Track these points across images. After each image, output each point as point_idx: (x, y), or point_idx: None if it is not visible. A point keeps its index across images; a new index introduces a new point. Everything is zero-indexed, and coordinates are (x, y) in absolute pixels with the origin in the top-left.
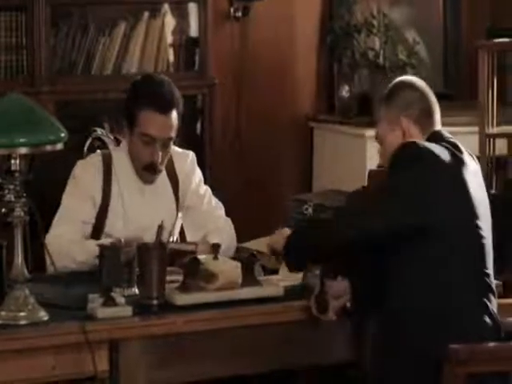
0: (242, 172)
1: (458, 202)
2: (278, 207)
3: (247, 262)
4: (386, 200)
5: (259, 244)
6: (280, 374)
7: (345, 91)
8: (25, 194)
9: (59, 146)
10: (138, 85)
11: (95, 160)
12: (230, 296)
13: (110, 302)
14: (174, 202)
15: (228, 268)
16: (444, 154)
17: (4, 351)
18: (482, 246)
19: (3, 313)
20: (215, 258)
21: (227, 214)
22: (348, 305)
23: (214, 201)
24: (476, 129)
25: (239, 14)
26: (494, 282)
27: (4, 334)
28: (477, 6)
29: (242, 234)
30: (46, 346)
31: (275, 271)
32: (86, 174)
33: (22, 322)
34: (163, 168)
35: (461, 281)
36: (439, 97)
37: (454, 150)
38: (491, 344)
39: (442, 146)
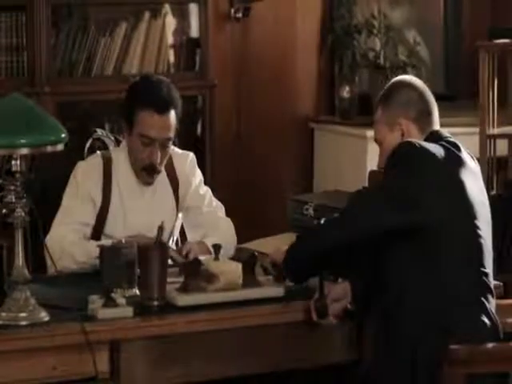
0: (242, 173)
1: (454, 201)
2: (279, 208)
3: (248, 262)
4: (381, 199)
5: (261, 244)
6: (280, 374)
7: (345, 92)
8: (25, 195)
9: (60, 147)
10: (136, 85)
11: (95, 161)
12: (230, 297)
13: (110, 302)
14: (174, 203)
15: (229, 269)
16: (440, 153)
17: (5, 352)
18: (479, 246)
19: (4, 313)
20: (216, 258)
21: (227, 214)
22: (349, 306)
23: (215, 201)
24: (477, 129)
25: (240, 14)
26: (492, 282)
27: (5, 334)
28: (477, 6)
29: (242, 235)
30: (47, 347)
31: None
32: (86, 175)
33: (23, 323)
34: (162, 168)
35: (458, 280)
36: (440, 97)
37: (453, 149)
38: (490, 344)
39: (441, 145)
